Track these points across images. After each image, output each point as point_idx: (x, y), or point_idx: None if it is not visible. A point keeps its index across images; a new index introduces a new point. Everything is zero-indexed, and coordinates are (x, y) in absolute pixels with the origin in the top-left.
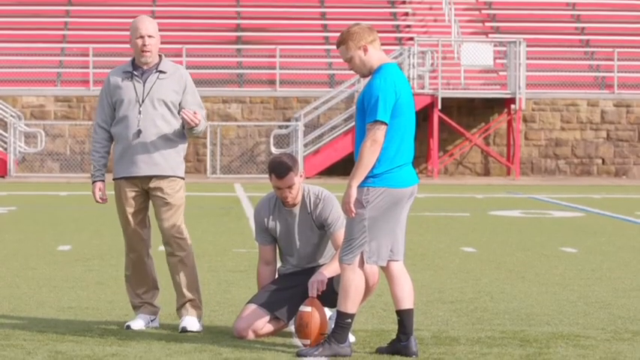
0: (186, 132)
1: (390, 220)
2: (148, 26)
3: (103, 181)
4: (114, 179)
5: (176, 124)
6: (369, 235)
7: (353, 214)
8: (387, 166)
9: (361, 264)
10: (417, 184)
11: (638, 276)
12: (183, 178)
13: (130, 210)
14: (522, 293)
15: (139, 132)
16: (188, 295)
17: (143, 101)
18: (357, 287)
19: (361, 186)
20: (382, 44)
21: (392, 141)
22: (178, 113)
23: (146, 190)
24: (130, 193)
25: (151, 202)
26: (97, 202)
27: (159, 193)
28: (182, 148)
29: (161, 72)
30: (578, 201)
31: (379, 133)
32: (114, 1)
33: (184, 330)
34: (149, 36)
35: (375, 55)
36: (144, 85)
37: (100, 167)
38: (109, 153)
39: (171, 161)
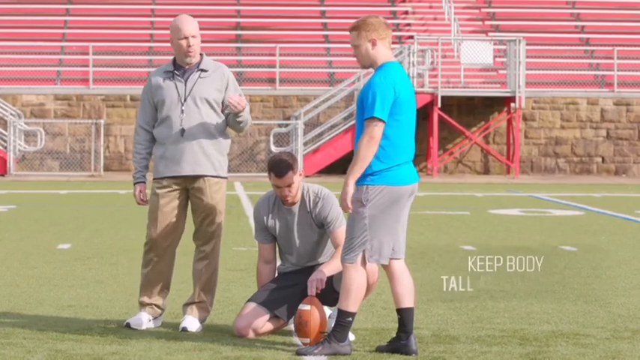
0: (231, 122)
1: (391, 218)
2: (191, 27)
3: (144, 182)
4: (155, 178)
5: (219, 123)
6: (370, 234)
7: (350, 210)
8: (386, 164)
9: (363, 263)
10: (418, 183)
11: (637, 274)
12: (226, 178)
13: (166, 209)
14: (522, 292)
15: (183, 131)
16: (201, 296)
17: (185, 100)
18: (359, 286)
19: (360, 184)
20: None
21: (391, 139)
22: (222, 112)
23: (187, 189)
24: (172, 192)
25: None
26: (138, 203)
27: (200, 195)
28: (225, 146)
29: (202, 70)
30: (578, 199)
31: (376, 130)
32: None
33: (184, 330)
34: (193, 36)
35: (382, 52)
36: (185, 84)
37: (142, 169)
38: (150, 154)
39: (214, 160)
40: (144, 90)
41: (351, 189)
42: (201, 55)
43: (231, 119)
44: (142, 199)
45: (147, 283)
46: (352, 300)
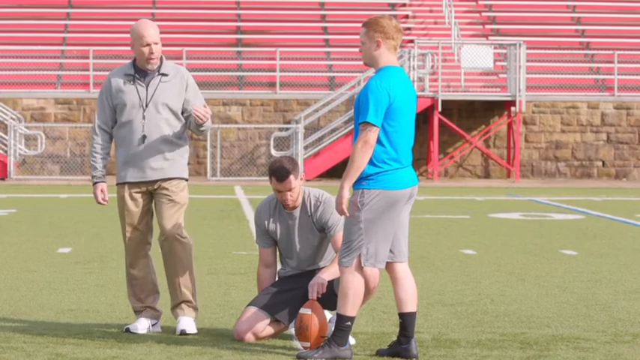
0: (193, 129)
1: (388, 222)
2: (152, 33)
3: (105, 182)
4: (118, 184)
5: (179, 127)
6: (365, 238)
7: (347, 215)
8: (381, 168)
9: (359, 266)
10: (417, 186)
11: (638, 278)
12: (187, 180)
13: (134, 212)
14: (522, 296)
15: (144, 137)
16: (185, 295)
17: (147, 106)
18: (356, 290)
19: (356, 188)
20: None
21: (387, 143)
22: (182, 114)
23: (151, 192)
24: (135, 196)
25: (153, 201)
26: (99, 203)
27: (163, 192)
28: (185, 150)
29: (163, 75)
30: (579, 203)
31: (370, 135)
32: (114, 3)
33: (184, 333)
34: (155, 43)
35: (385, 55)
36: (147, 89)
37: (101, 169)
38: (109, 154)
39: (177, 164)
40: (102, 91)
41: (346, 193)
42: (161, 58)
43: (192, 125)
44: (103, 199)
45: (134, 289)
46: (350, 304)
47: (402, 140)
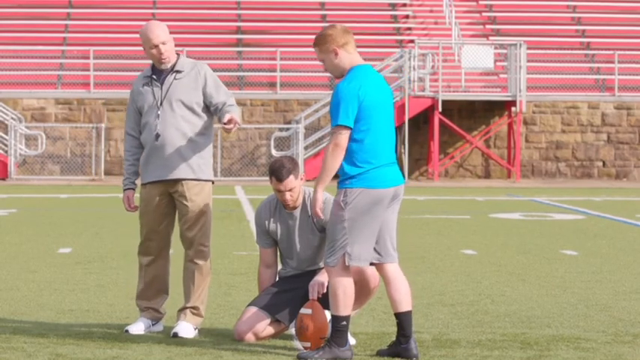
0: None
1: (372, 222)
2: (159, 34)
3: (133, 189)
4: (142, 184)
5: (199, 124)
6: (349, 237)
7: (321, 217)
8: (362, 167)
9: (344, 265)
10: (402, 185)
11: (638, 278)
12: (209, 181)
13: (152, 214)
14: (523, 296)
15: (157, 136)
16: (194, 302)
17: (161, 104)
18: (346, 288)
19: (340, 187)
20: (383, 47)
21: (364, 142)
22: (208, 109)
23: (170, 194)
24: (156, 197)
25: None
26: (127, 210)
27: (180, 198)
28: (206, 148)
29: (177, 72)
30: (579, 203)
31: (341, 137)
32: (114, 3)
33: (175, 335)
34: (163, 43)
35: (346, 58)
36: (161, 88)
37: (130, 175)
38: (139, 160)
39: (193, 163)
40: (129, 96)
41: (320, 196)
42: (178, 55)
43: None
44: (130, 205)
45: (143, 288)
46: (341, 303)
47: (379, 137)
